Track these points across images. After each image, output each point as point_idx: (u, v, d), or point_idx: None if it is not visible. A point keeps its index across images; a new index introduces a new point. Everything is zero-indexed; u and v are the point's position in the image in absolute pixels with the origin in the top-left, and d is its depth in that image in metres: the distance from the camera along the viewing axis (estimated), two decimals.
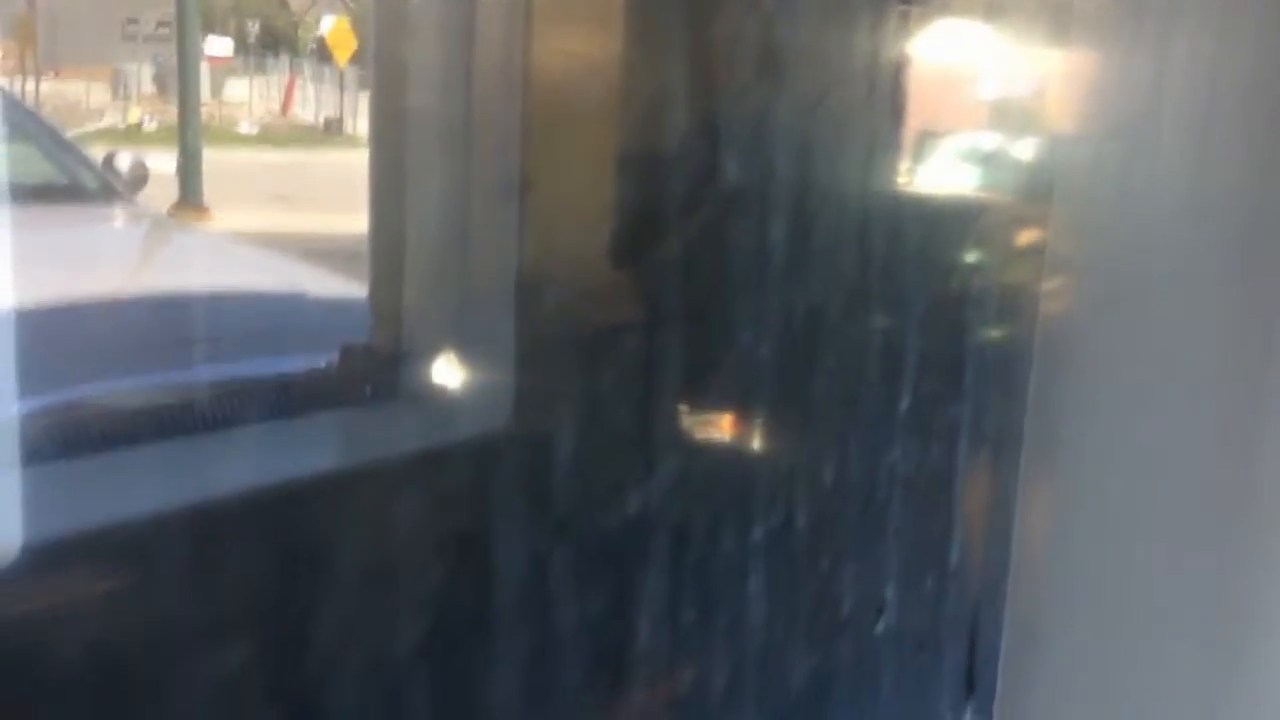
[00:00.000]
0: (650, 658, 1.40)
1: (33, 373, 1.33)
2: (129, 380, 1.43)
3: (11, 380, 1.37)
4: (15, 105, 2.46)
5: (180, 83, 3.39)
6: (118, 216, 2.33)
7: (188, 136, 3.10)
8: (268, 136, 4.49)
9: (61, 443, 1.11)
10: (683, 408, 1.60)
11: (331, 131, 4.82)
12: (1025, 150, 1.88)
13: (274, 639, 1.07)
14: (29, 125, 2.52)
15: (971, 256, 1.78)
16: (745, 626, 1.51)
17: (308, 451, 1.29)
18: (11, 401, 1.32)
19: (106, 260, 1.97)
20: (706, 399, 1.63)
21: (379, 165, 1.55)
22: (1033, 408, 1.04)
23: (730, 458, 1.64)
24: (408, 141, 1.55)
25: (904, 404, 1.62)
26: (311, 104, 5.12)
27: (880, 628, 1.51)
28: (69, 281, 1.52)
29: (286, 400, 1.33)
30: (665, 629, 1.42)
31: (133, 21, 4.20)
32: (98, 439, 1.16)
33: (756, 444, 1.69)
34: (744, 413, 1.61)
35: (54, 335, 1.30)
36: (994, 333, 1.66)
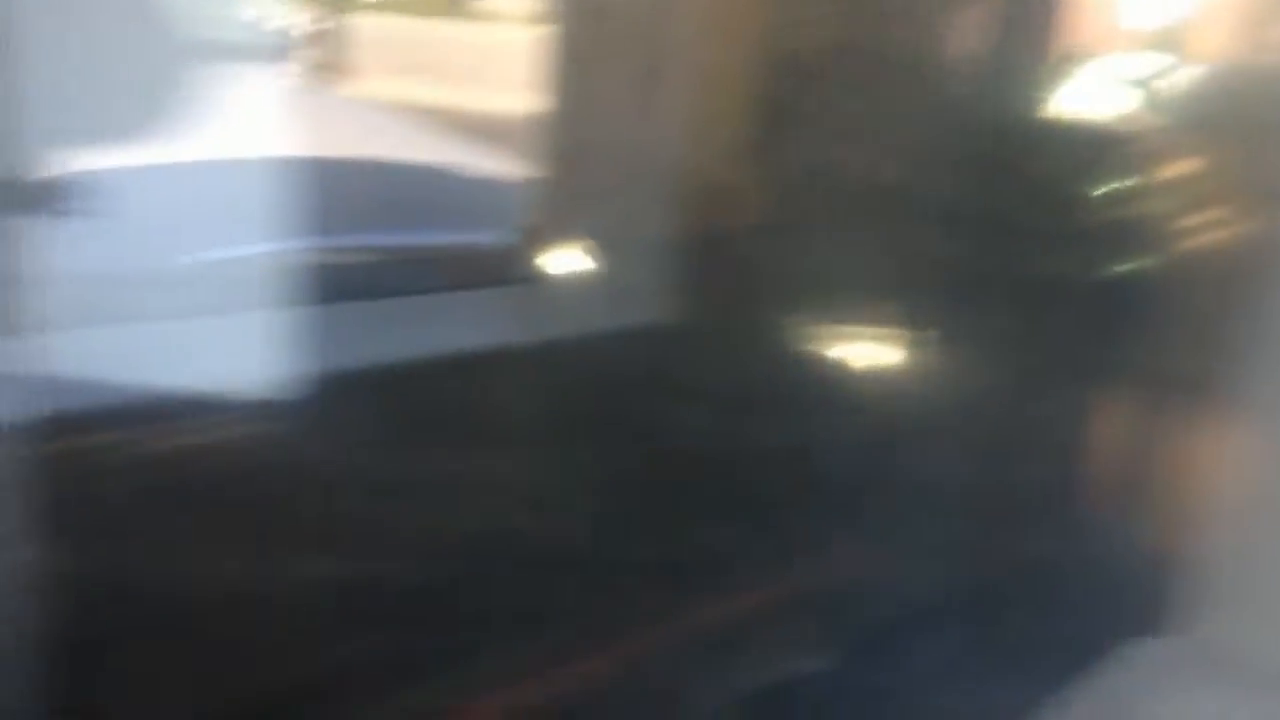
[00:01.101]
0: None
1: (236, 225, 1.39)
2: (330, 239, 1.48)
3: (203, 229, 1.43)
4: None
5: None
6: (272, 77, 2.36)
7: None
8: (393, 2, 4.48)
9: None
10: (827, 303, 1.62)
11: (458, 1, 4.80)
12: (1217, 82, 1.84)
13: None
14: None
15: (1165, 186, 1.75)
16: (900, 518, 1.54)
17: (500, 322, 1.35)
18: (215, 248, 1.38)
19: (277, 121, 2.02)
20: (853, 300, 1.65)
21: (563, 52, 1.57)
22: (1238, 343, 1.04)
23: (877, 368, 1.66)
24: (585, 26, 1.56)
25: (1081, 335, 1.61)
26: None
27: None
28: (265, 140, 1.56)
29: (477, 272, 1.38)
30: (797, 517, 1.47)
31: None
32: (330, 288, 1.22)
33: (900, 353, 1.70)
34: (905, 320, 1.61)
35: (268, 191, 1.35)
36: (1197, 268, 1.64)
